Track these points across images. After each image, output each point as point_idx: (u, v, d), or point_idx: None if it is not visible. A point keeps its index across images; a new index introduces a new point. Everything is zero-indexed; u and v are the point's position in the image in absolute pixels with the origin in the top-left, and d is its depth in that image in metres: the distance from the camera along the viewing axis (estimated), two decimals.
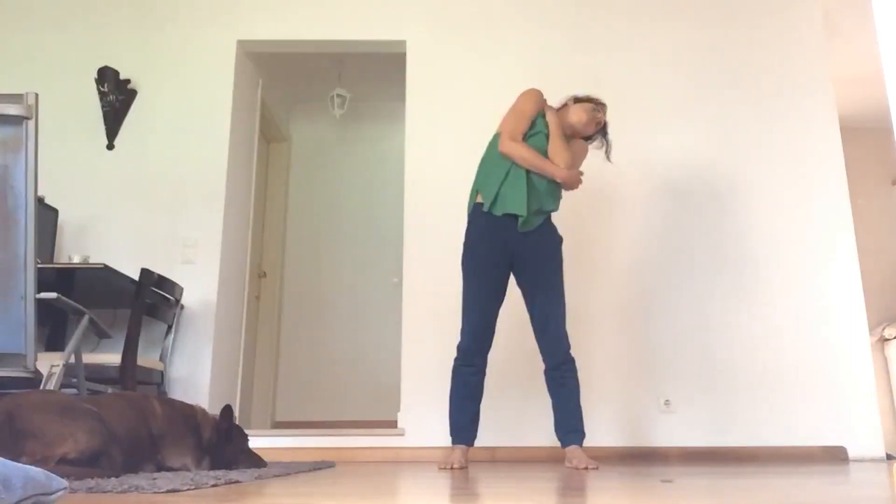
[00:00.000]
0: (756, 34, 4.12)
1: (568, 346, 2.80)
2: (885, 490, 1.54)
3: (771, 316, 3.75)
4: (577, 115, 2.96)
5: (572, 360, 2.81)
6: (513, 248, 2.84)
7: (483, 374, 2.84)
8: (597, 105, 3.01)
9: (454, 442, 2.79)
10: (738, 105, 4.04)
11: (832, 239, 3.84)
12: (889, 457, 3.69)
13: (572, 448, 2.72)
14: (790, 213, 3.88)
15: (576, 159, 2.91)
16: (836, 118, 3.99)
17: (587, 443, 2.88)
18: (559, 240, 2.92)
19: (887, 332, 5.41)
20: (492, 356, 3.67)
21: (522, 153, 2.81)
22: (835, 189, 3.91)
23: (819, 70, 4.06)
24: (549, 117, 2.93)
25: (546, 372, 2.82)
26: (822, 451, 3.53)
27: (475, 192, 2.92)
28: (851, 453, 3.53)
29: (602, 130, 3.05)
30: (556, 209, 2.92)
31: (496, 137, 2.93)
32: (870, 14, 4.30)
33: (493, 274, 2.83)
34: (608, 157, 3.08)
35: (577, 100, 3.03)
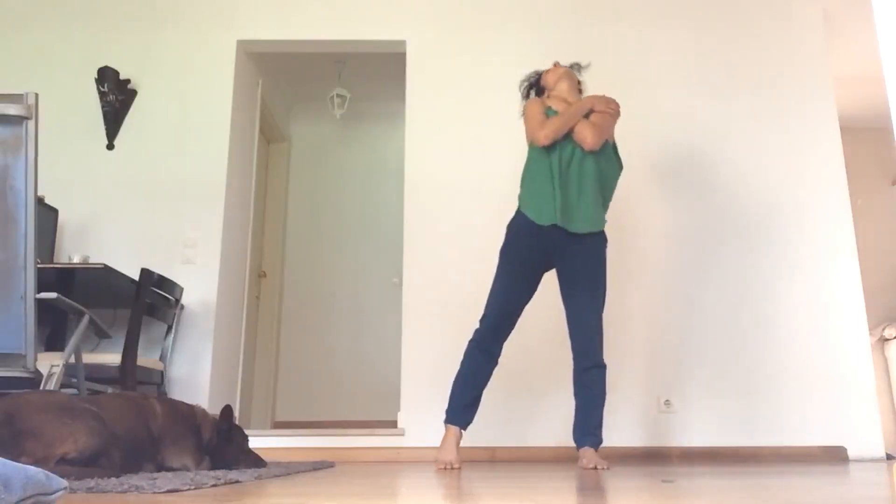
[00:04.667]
0: (756, 34, 4.12)
1: (599, 355, 2.80)
2: (885, 490, 1.54)
3: (771, 316, 3.75)
4: (552, 79, 3.05)
5: (602, 366, 2.80)
6: (555, 248, 2.84)
7: (495, 362, 2.84)
8: (553, 70, 3.10)
9: (448, 422, 2.78)
10: (738, 105, 4.03)
11: (832, 239, 3.84)
12: (889, 457, 3.69)
13: (585, 449, 2.71)
14: (790, 213, 3.88)
15: (599, 122, 2.89)
16: (836, 118, 3.99)
17: None
18: (604, 242, 2.91)
19: (887, 332, 5.41)
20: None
21: (554, 125, 2.83)
22: (835, 189, 3.90)
23: (819, 70, 4.06)
24: (557, 106, 2.95)
25: (574, 372, 2.82)
26: (822, 451, 3.52)
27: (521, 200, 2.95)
28: (851, 453, 3.52)
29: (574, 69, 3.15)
30: (602, 198, 2.89)
31: (529, 150, 2.96)
32: (870, 14, 4.30)
33: (528, 270, 2.85)
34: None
35: (539, 87, 3.13)
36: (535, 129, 2.86)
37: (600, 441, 2.76)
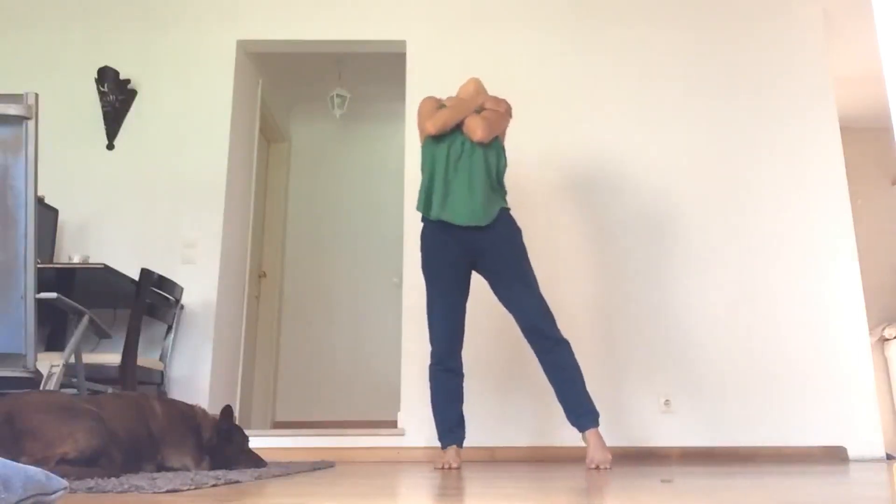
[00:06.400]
0: (756, 35, 4.12)
1: (554, 331, 2.74)
2: (885, 490, 1.54)
3: (771, 316, 3.75)
4: (465, 88, 3.07)
5: (564, 342, 2.74)
6: (470, 246, 2.86)
7: (461, 375, 2.86)
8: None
9: (444, 445, 2.80)
10: (738, 105, 4.03)
11: (832, 239, 3.84)
12: (889, 457, 3.69)
13: (590, 433, 2.67)
14: (790, 214, 3.88)
15: (489, 117, 2.93)
16: (836, 118, 3.99)
17: None
18: (517, 231, 2.91)
19: (887, 332, 5.41)
20: (489, 356, 3.68)
21: (443, 116, 2.88)
22: (835, 189, 3.90)
23: (819, 70, 4.06)
24: (449, 103, 3.00)
25: (539, 357, 2.77)
26: (822, 451, 3.53)
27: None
28: (851, 453, 3.53)
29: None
30: (491, 191, 2.89)
31: (421, 147, 3.00)
32: (870, 14, 4.30)
33: (453, 274, 2.86)
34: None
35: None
36: (424, 120, 2.91)
37: (598, 414, 2.72)
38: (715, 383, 3.67)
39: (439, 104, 3.00)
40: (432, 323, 2.86)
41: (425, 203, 2.90)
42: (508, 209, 2.95)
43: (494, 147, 2.94)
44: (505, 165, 2.99)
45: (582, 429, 2.71)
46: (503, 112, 2.99)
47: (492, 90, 4.05)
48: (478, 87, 3.07)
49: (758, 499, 1.28)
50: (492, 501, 1.30)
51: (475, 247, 2.86)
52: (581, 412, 2.71)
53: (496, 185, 2.93)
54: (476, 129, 2.87)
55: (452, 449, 2.77)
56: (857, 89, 5.25)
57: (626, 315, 3.77)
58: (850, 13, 4.30)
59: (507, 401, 3.65)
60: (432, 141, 2.92)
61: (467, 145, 2.90)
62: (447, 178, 2.86)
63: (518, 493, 1.48)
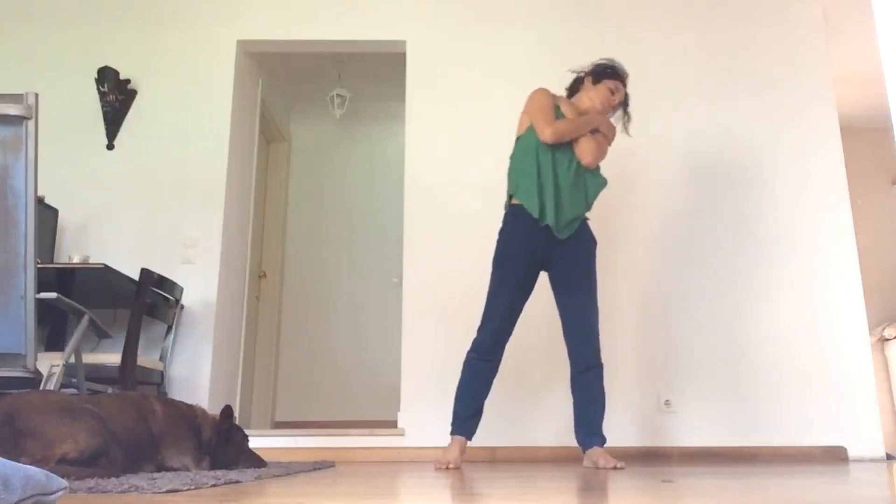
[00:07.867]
0: (756, 35, 4.12)
1: (596, 353, 2.80)
2: (885, 490, 1.54)
3: (771, 316, 3.75)
4: (591, 102, 2.93)
5: (600, 366, 2.79)
6: (547, 249, 2.83)
7: (497, 370, 2.82)
8: (615, 84, 2.95)
9: (454, 432, 2.77)
10: (738, 105, 4.03)
11: (832, 239, 3.84)
12: (889, 457, 3.69)
13: (594, 450, 2.70)
14: (790, 213, 3.88)
15: (602, 143, 2.90)
16: (836, 118, 3.99)
17: None
18: (594, 243, 2.92)
19: (887, 332, 5.41)
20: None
21: (564, 129, 2.82)
22: (835, 189, 3.90)
23: (819, 70, 4.06)
24: (565, 109, 2.93)
25: (572, 376, 2.81)
26: (822, 451, 3.52)
27: (511, 194, 2.90)
28: (851, 453, 3.52)
29: (623, 104, 3.00)
30: (586, 209, 2.90)
31: (524, 138, 2.90)
32: (870, 14, 4.30)
33: (524, 272, 2.83)
34: (627, 131, 3.02)
35: (594, 78, 2.97)
36: (544, 124, 2.81)
37: (605, 440, 2.76)
38: (715, 383, 3.67)
39: (553, 101, 2.91)
40: (491, 314, 2.80)
41: (540, 206, 2.80)
42: (588, 219, 2.96)
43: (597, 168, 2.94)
44: (603, 184, 2.95)
45: (586, 447, 2.74)
46: (611, 139, 2.95)
47: (491, 90, 4.07)
48: (608, 105, 2.94)
49: (758, 499, 1.28)
50: (493, 501, 1.29)
51: (556, 252, 2.84)
52: (591, 432, 2.75)
53: (589, 203, 2.94)
54: (587, 154, 2.84)
55: (458, 441, 2.75)
56: (857, 89, 5.25)
57: (626, 314, 3.77)
58: (850, 13, 4.29)
59: (509, 401, 3.64)
60: (542, 143, 2.85)
61: (576, 161, 2.87)
62: (557, 186, 2.82)
63: (519, 493, 1.47)
